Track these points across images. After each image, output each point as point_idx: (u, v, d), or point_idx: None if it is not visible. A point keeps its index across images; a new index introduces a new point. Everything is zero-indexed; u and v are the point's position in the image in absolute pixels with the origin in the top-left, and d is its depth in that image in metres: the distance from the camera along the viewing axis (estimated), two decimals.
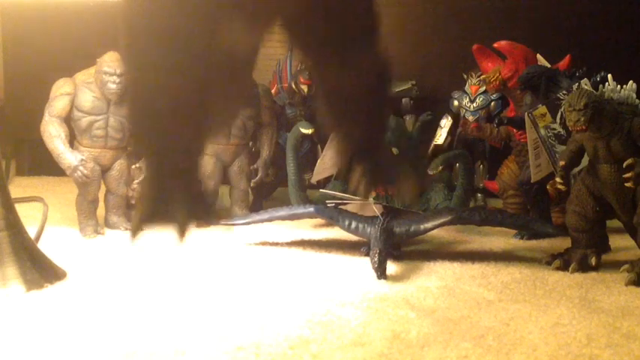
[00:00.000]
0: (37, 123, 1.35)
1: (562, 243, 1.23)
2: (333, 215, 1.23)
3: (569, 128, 1.09)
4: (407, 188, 0.26)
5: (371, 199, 1.24)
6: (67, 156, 1.33)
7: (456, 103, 1.72)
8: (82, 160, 1.33)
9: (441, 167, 1.37)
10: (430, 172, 1.38)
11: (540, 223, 1.29)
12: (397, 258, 1.19)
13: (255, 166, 1.56)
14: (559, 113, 1.28)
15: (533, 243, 1.34)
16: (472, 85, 1.70)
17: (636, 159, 1.05)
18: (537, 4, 1.86)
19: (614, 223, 1.20)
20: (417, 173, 1.48)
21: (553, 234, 1.31)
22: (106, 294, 0.99)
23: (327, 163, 1.53)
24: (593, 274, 1.12)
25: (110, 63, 1.33)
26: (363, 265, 1.15)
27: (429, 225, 1.19)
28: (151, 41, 0.26)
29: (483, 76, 1.54)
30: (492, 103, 1.67)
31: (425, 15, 1.94)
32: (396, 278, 1.10)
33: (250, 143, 1.65)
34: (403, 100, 1.81)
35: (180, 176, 0.27)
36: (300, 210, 1.27)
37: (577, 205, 1.14)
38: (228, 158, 1.55)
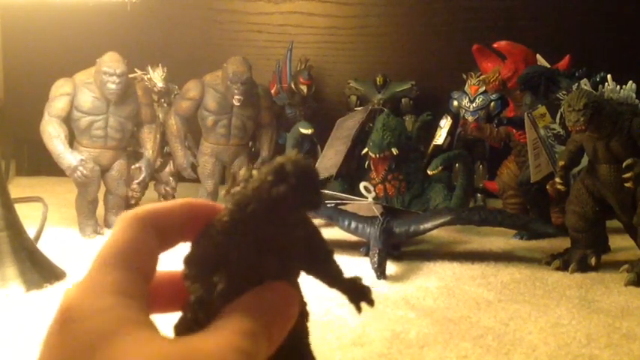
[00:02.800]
0: (37, 123, 1.35)
1: (562, 243, 1.23)
2: (333, 215, 1.23)
3: (569, 128, 1.09)
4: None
5: (370, 199, 1.24)
6: (67, 156, 1.33)
7: (455, 103, 1.72)
8: (82, 160, 1.33)
9: (440, 167, 1.37)
10: (430, 172, 1.38)
11: (540, 224, 1.29)
12: (397, 258, 1.20)
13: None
14: (558, 113, 1.28)
15: (533, 243, 1.34)
16: (472, 85, 1.70)
17: (636, 159, 1.05)
18: (537, 4, 1.86)
19: (614, 223, 1.20)
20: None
21: (553, 234, 1.31)
22: None
23: (326, 163, 1.53)
24: (593, 274, 1.12)
25: (110, 63, 1.33)
26: (362, 265, 1.15)
27: (428, 225, 1.19)
28: None
29: (483, 77, 1.54)
30: (492, 104, 1.67)
31: (425, 15, 1.95)
32: (395, 278, 1.10)
33: (250, 143, 1.66)
34: (403, 100, 1.81)
35: None
36: None
37: (576, 205, 1.14)
38: (228, 158, 1.55)
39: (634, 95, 1.12)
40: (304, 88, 1.74)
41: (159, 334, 0.24)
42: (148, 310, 0.25)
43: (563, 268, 1.13)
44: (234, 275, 0.25)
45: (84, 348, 0.23)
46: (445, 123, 1.71)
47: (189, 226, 0.28)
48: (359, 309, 0.30)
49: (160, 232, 0.27)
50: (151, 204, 0.28)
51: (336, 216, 1.22)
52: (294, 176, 0.24)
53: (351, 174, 1.51)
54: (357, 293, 0.30)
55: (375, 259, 1.10)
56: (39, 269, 1.04)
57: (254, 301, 0.25)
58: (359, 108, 1.77)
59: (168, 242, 0.28)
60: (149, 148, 1.45)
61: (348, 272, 0.31)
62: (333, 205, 1.27)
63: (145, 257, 0.27)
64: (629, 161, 1.05)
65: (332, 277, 0.29)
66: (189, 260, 0.27)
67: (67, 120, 1.36)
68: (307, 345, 0.30)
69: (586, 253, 1.13)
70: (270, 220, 0.25)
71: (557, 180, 1.16)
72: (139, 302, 0.25)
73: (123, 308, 0.24)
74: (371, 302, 0.30)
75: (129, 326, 0.23)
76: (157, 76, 1.65)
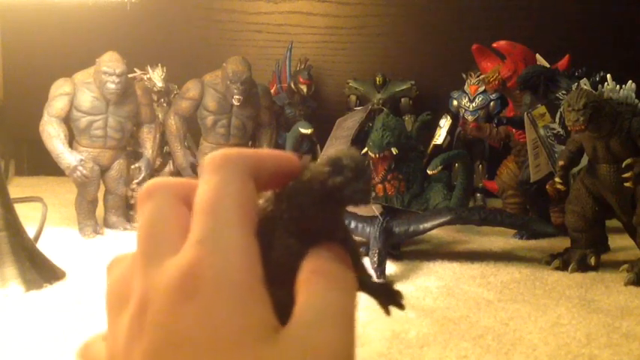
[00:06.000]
0: (37, 123, 1.35)
1: (561, 243, 1.23)
2: None
3: (569, 128, 1.09)
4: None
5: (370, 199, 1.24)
6: (66, 156, 1.33)
7: (455, 102, 1.72)
8: (81, 160, 1.33)
9: (440, 167, 1.37)
10: (429, 172, 1.38)
11: (540, 223, 1.29)
12: (396, 258, 1.20)
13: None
14: (558, 113, 1.28)
15: (533, 243, 1.34)
16: (471, 85, 1.70)
17: (636, 159, 1.05)
18: (537, 4, 1.86)
19: (613, 223, 1.20)
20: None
21: (552, 234, 1.31)
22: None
23: None
24: (593, 273, 1.12)
25: (109, 63, 1.33)
26: None
27: (428, 225, 1.19)
28: None
29: (482, 76, 1.54)
30: (492, 103, 1.67)
31: (425, 15, 1.95)
32: (395, 278, 1.10)
33: (250, 143, 1.66)
34: (402, 100, 1.81)
35: None
36: None
37: (576, 204, 1.15)
38: None
39: (633, 95, 1.11)
40: (304, 88, 1.74)
41: (278, 339, 0.22)
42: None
43: (563, 267, 1.13)
44: (276, 263, 0.26)
45: (214, 334, 0.21)
46: (445, 123, 1.71)
47: (274, 179, 0.26)
48: (388, 312, 0.31)
49: (256, 182, 0.25)
50: (243, 149, 0.26)
51: None
52: (350, 169, 0.24)
53: None
54: (388, 297, 0.31)
55: (375, 259, 1.10)
56: (39, 269, 1.04)
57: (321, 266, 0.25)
58: (358, 108, 1.77)
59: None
60: (149, 148, 1.45)
61: None
62: None
63: (255, 215, 0.25)
64: (628, 161, 1.05)
65: (362, 279, 0.30)
66: None
67: (67, 120, 1.36)
68: None
69: (586, 253, 1.13)
70: (319, 211, 0.25)
71: (557, 180, 1.16)
72: (264, 288, 0.23)
73: (255, 300, 0.22)
74: (401, 306, 0.31)
75: (262, 331, 0.22)
76: (156, 76, 1.64)
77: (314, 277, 0.25)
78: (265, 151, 0.26)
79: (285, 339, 0.22)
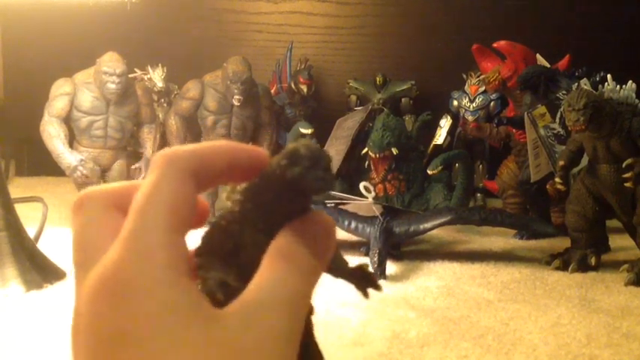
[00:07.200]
0: (37, 123, 1.35)
1: (562, 243, 1.23)
2: (333, 215, 1.22)
3: (569, 128, 1.09)
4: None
5: (370, 199, 1.24)
6: (67, 156, 1.33)
7: (455, 103, 1.72)
8: (82, 160, 1.33)
9: (440, 167, 1.37)
10: (430, 172, 1.38)
11: (540, 223, 1.29)
12: (397, 258, 1.20)
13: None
14: (558, 113, 1.28)
15: (533, 243, 1.34)
16: (472, 85, 1.70)
17: (636, 159, 1.05)
18: (537, 4, 1.86)
19: (614, 223, 1.20)
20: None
21: (552, 234, 1.31)
22: None
23: None
24: (593, 274, 1.12)
25: (109, 63, 1.33)
26: None
27: (428, 225, 1.19)
28: None
29: (483, 76, 1.54)
30: (492, 103, 1.67)
31: (425, 15, 1.95)
32: (395, 278, 1.10)
33: (250, 143, 1.66)
34: (403, 100, 1.81)
35: None
36: None
37: (576, 205, 1.14)
38: None
39: (634, 95, 1.11)
40: (304, 88, 1.74)
41: (216, 324, 0.22)
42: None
43: (563, 267, 1.13)
44: (248, 261, 0.26)
45: (141, 336, 0.21)
46: (445, 123, 1.71)
47: (228, 172, 0.26)
48: (366, 295, 0.31)
49: (198, 179, 0.25)
50: (191, 145, 0.25)
51: (336, 216, 1.22)
52: (307, 158, 0.24)
53: (351, 174, 1.51)
54: (364, 279, 0.31)
55: (375, 259, 1.10)
56: (39, 269, 1.04)
57: (297, 240, 0.25)
58: (359, 108, 1.77)
59: (202, 188, 0.26)
60: (149, 148, 1.45)
61: None
62: (333, 205, 1.26)
63: (190, 217, 0.24)
64: (629, 161, 1.05)
65: (337, 266, 0.30)
66: (201, 251, 0.28)
67: (67, 120, 1.36)
68: (315, 341, 0.31)
69: (586, 253, 1.13)
70: (283, 205, 0.25)
71: (557, 180, 1.16)
72: (191, 282, 0.23)
73: (180, 292, 0.22)
74: (378, 287, 0.31)
75: (191, 319, 0.22)
76: (156, 76, 1.64)
77: (278, 258, 0.25)
78: (217, 146, 0.26)
79: (226, 320, 0.22)
